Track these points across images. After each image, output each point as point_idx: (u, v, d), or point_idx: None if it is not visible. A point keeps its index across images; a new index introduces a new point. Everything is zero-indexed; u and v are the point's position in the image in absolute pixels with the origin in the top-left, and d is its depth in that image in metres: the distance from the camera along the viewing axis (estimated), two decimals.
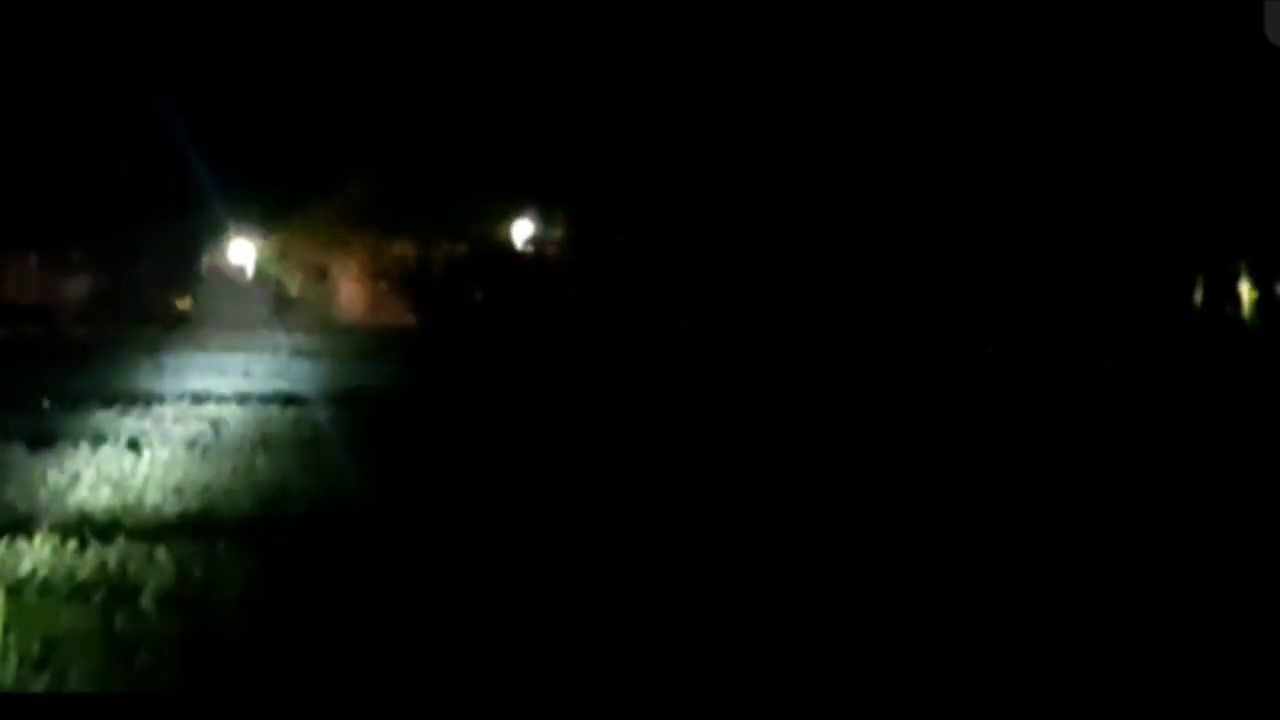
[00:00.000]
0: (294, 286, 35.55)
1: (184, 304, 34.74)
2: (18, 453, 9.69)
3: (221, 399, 14.21)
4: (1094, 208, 26.95)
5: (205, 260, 35.48)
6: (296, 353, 22.16)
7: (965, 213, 27.66)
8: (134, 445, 10.16)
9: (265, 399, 14.38)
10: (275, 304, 33.17)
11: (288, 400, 14.21)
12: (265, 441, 10.80)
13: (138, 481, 8.58)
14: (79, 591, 5.87)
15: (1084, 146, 26.46)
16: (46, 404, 12.70)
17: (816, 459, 11.31)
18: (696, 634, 5.61)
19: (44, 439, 10.21)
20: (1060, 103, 26.33)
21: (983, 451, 12.02)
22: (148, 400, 13.69)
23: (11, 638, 5.05)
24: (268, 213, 34.21)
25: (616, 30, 32.29)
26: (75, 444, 10.12)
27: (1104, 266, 26.99)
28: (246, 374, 17.91)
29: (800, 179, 31.67)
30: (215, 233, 34.57)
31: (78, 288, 31.56)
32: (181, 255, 35.19)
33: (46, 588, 5.94)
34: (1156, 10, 24.96)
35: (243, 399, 14.28)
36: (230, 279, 35.07)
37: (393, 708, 4.69)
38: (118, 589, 5.89)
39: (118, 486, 8.37)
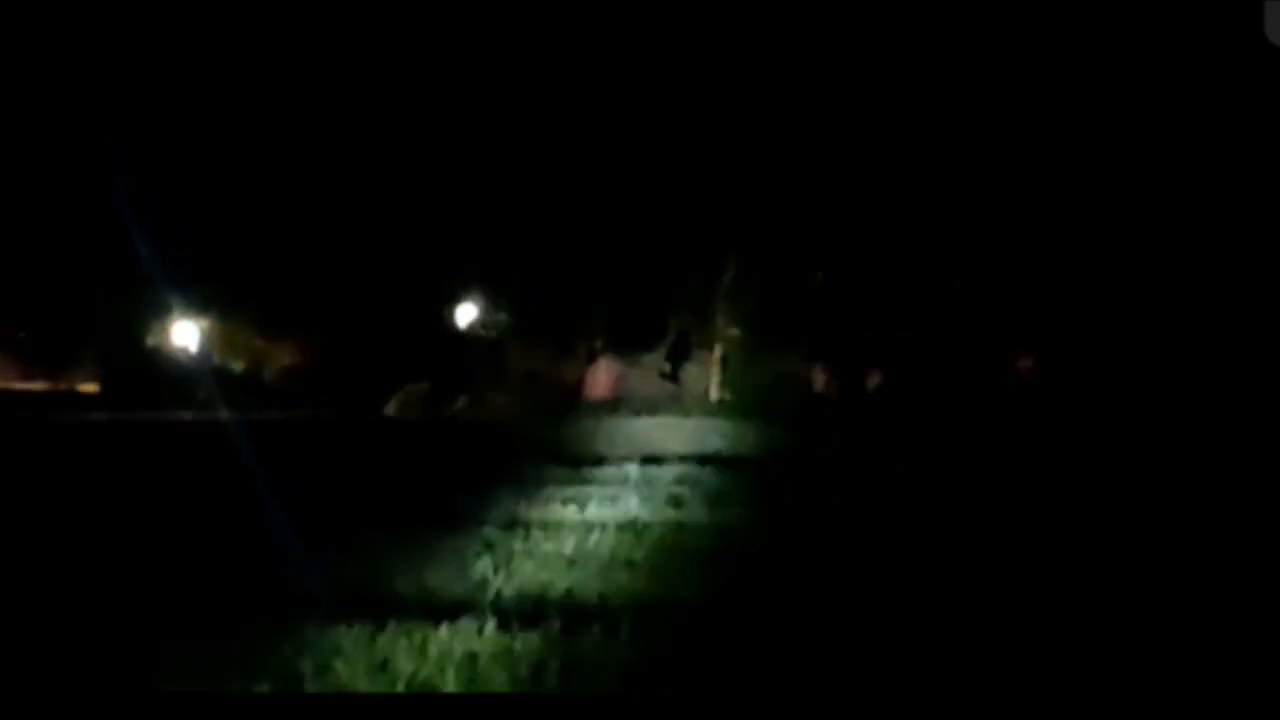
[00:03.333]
0: (237, 367, 35.02)
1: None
2: None
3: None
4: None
5: (149, 342, 34.86)
6: None
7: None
8: None
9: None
10: (218, 384, 32.48)
11: None
12: None
13: None
14: None
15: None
16: None
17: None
18: None
19: None
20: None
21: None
22: None
23: None
24: (211, 296, 33.86)
25: (554, 109, 32.84)
26: None
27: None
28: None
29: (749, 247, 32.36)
30: (159, 315, 34.15)
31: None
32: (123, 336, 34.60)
33: None
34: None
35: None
36: (173, 359, 34.58)
37: None
38: None
39: None
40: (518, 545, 9.02)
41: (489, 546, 8.92)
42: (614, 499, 11.70)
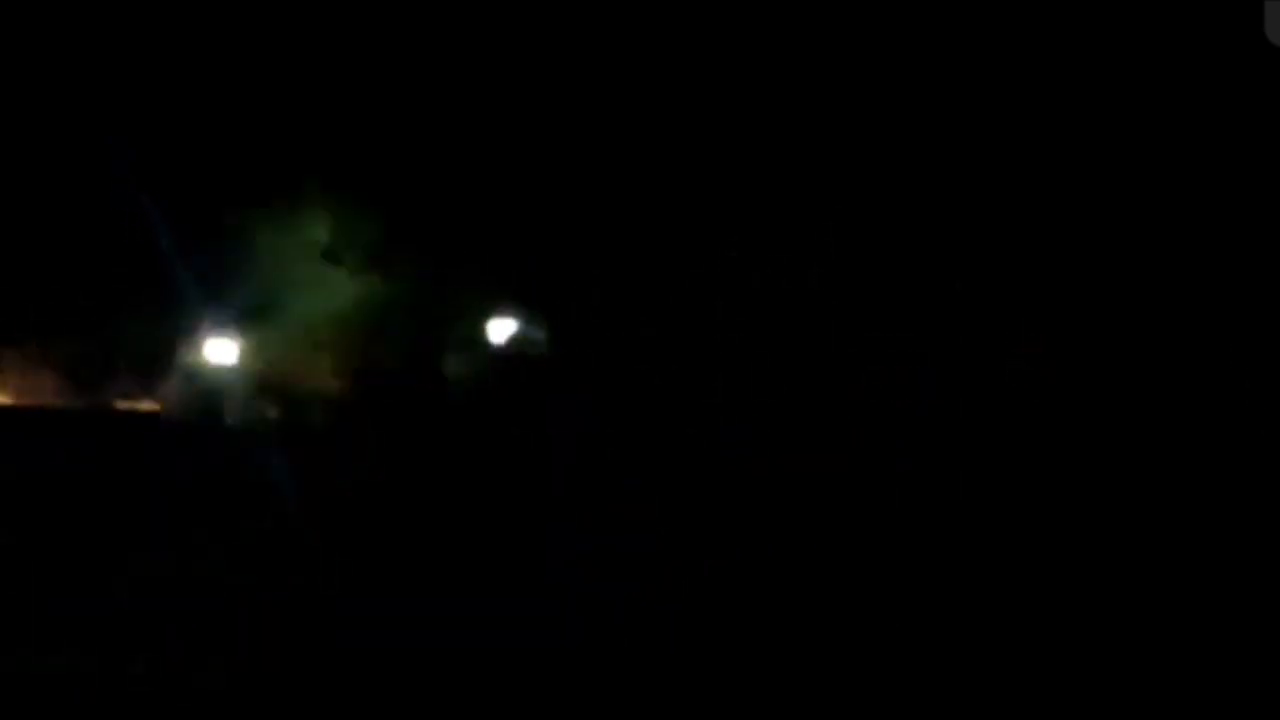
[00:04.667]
0: (275, 381, 35.69)
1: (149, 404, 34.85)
2: None
3: None
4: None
5: (182, 358, 35.57)
6: None
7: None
8: None
9: None
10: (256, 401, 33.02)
11: None
12: None
13: None
14: None
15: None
16: None
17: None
18: None
19: None
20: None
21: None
22: None
23: None
24: (249, 311, 34.42)
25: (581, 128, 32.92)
26: None
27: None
28: None
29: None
30: (193, 331, 34.83)
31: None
32: (156, 353, 35.31)
33: None
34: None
35: None
36: (207, 377, 35.23)
37: None
38: None
39: None
40: None
41: None
42: None
